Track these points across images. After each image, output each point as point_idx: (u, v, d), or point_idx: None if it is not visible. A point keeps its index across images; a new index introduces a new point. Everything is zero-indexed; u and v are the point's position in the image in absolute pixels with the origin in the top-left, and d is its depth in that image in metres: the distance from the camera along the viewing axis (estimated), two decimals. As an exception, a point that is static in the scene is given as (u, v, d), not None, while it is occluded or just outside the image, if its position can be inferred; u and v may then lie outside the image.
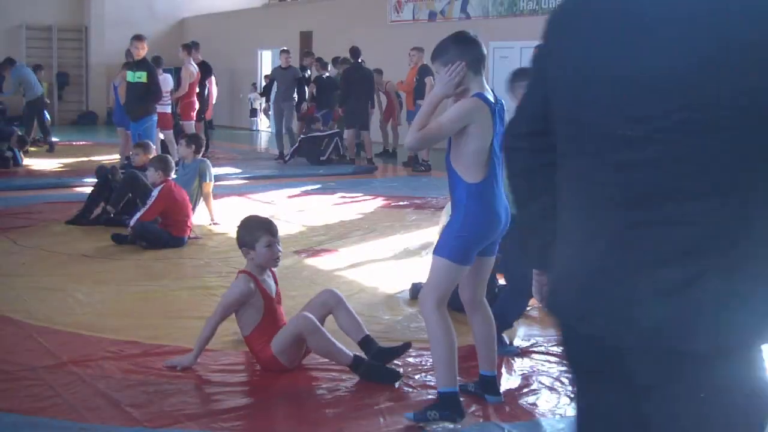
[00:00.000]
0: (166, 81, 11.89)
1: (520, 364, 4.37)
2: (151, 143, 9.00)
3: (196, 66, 13.00)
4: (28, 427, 3.44)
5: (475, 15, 16.44)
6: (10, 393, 3.79)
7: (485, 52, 3.52)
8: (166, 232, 7.05)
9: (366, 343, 4.15)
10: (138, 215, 7.07)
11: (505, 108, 3.49)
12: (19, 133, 13.27)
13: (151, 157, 8.17)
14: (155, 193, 7.08)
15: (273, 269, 4.31)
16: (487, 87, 3.50)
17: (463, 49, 3.43)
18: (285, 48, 14.69)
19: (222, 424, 3.51)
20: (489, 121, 3.41)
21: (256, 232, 4.13)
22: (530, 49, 16.10)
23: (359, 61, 13.69)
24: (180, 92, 12.45)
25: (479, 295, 3.67)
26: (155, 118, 10.49)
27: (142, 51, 10.34)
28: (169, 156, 7.81)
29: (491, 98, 3.45)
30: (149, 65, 10.34)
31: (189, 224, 7.26)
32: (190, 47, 13.15)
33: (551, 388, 4.02)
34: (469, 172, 3.43)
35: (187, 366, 4.09)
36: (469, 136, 3.40)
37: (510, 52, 15.57)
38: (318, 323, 4.01)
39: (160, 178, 7.17)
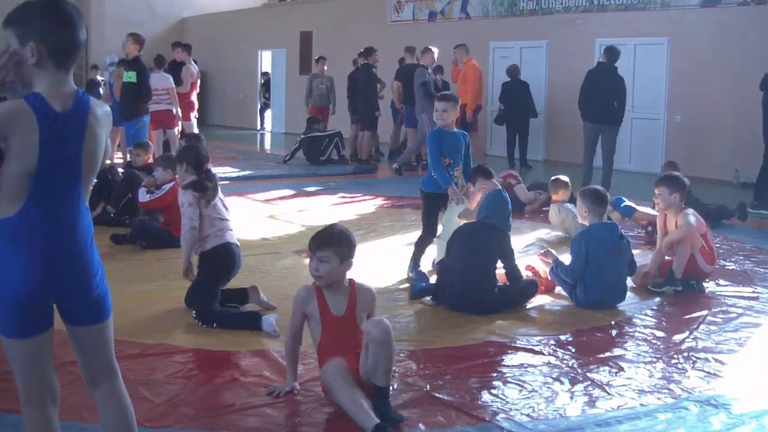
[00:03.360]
0: (167, 80, 11.87)
1: (520, 364, 4.37)
2: (151, 144, 9.01)
3: (195, 66, 12.99)
4: (28, 427, 3.44)
5: (475, 15, 16.45)
6: (10, 393, 3.77)
7: (82, 42, 2.49)
8: (167, 231, 7.05)
9: (377, 392, 3.57)
10: (146, 198, 7.11)
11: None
12: None
13: (150, 156, 8.18)
14: (166, 187, 7.15)
15: (356, 290, 3.82)
16: (66, 89, 2.46)
17: (48, 30, 2.40)
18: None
19: (222, 424, 3.52)
20: (34, 133, 2.37)
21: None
22: (530, 49, 16.24)
23: (367, 61, 13.70)
24: (182, 90, 12.42)
25: (95, 371, 2.67)
26: (147, 118, 10.45)
27: (133, 49, 10.29)
28: (174, 154, 7.80)
29: (57, 103, 2.41)
30: (140, 65, 10.30)
31: None
32: (189, 47, 13.15)
33: (551, 388, 4.02)
34: (3, 202, 2.44)
35: (289, 390, 3.83)
36: (11, 151, 2.38)
37: (510, 52, 15.60)
38: (343, 378, 3.57)
39: (169, 176, 7.21)
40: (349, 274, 6.33)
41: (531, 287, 5.53)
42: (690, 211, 6.05)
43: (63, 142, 2.42)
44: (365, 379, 3.62)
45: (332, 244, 3.73)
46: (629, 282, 5.80)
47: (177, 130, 12.04)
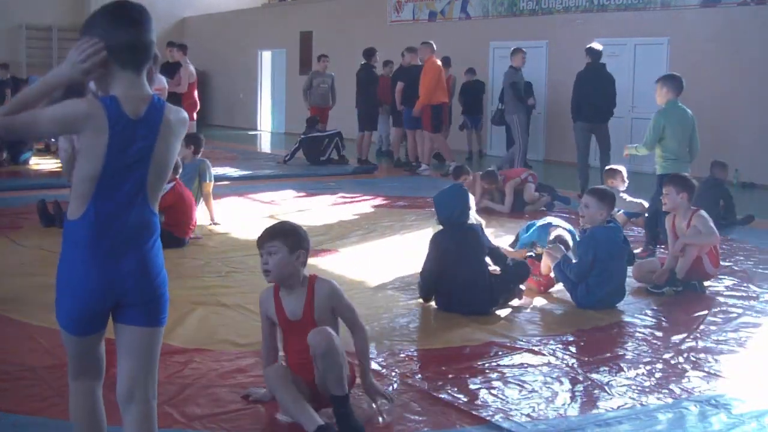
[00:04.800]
0: (161, 80, 11.85)
1: (520, 364, 4.37)
2: None
3: (193, 66, 12.96)
4: (28, 427, 3.44)
5: (475, 15, 16.45)
6: (10, 393, 3.78)
7: (147, 41, 2.47)
8: (168, 232, 7.04)
9: (334, 401, 3.42)
10: None
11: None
12: None
13: None
14: (166, 187, 7.09)
15: (314, 288, 3.57)
16: (140, 93, 2.47)
17: (108, 29, 2.42)
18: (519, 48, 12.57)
19: (222, 424, 3.52)
20: (103, 136, 2.38)
21: None
22: (530, 49, 16.14)
23: (368, 62, 13.67)
24: (179, 89, 12.37)
25: (132, 383, 2.56)
26: None
27: None
28: (178, 157, 7.74)
29: (130, 108, 2.42)
30: None
31: (192, 226, 7.27)
32: (185, 47, 13.08)
33: (551, 388, 4.02)
34: (72, 204, 2.48)
35: (263, 400, 3.70)
36: (80, 152, 2.45)
37: (510, 52, 15.58)
38: (285, 379, 3.42)
39: (170, 177, 7.17)
40: (352, 274, 6.36)
41: (522, 268, 5.54)
42: (704, 213, 6.00)
43: (131, 149, 2.42)
44: (322, 389, 3.49)
45: (279, 235, 3.52)
46: (629, 282, 5.80)
47: None
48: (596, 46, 10.94)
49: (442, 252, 5.34)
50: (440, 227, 5.96)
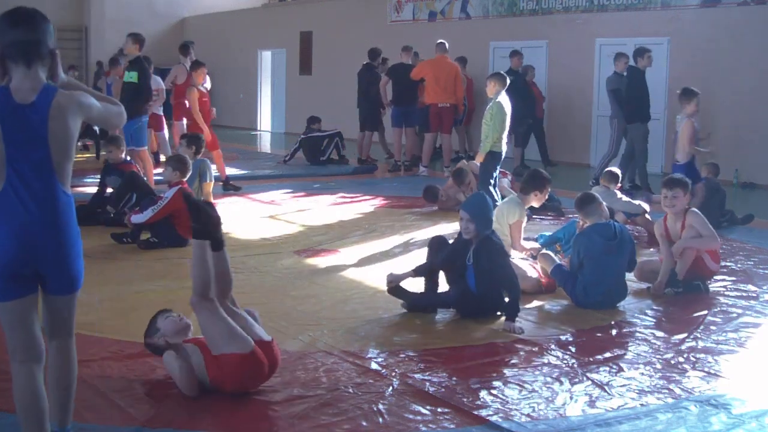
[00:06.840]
0: (156, 81, 11.84)
1: (520, 364, 4.37)
2: (122, 138, 8.73)
3: (187, 66, 12.91)
4: (28, 427, 3.44)
5: (475, 15, 16.44)
6: (10, 393, 3.78)
7: (30, 39, 2.84)
8: (174, 230, 7.03)
9: None
10: (148, 215, 6.97)
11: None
12: None
13: (123, 151, 8.13)
14: (169, 194, 7.01)
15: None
16: (35, 82, 2.85)
17: (1, 32, 2.86)
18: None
19: (222, 424, 3.52)
20: None
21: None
22: (530, 49, 16.00)
23: (371, 62, 13.63)
24: (159, 87, 12.34)
25: (54, 329, 3.03)
26: (146, 119, 10.42)
27: (134, 49, 10.25)
28: (187, 157, 7.68)
29: (21, 96, 2.80)
30: (141, 65, 10.26)
31: None
32: (184, 48, 13.03)
33: (551, 388, 4.02)
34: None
35: None
36: None
37: (510, 52, 15.57)
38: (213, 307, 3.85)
39: (176, 178, 7.13)
40: (352, 274, 6.36)
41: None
42: (697, 211, 5.96)
43: (25, 131, 2.80)
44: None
45: None
46: (629, 282, 5.80)
47: (165, 132, 12.04)
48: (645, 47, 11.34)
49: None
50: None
